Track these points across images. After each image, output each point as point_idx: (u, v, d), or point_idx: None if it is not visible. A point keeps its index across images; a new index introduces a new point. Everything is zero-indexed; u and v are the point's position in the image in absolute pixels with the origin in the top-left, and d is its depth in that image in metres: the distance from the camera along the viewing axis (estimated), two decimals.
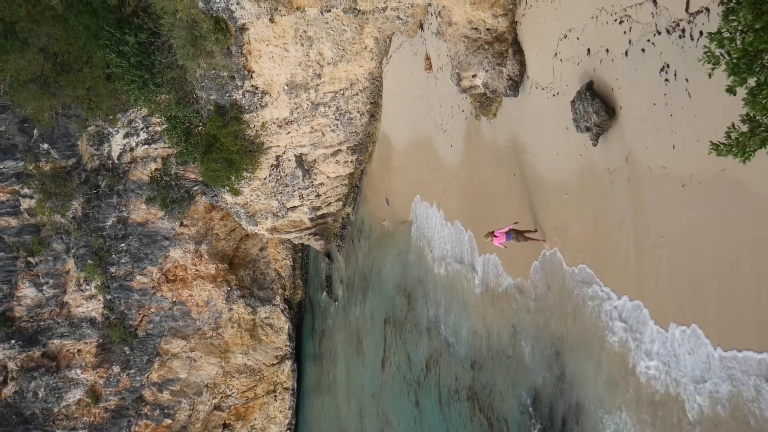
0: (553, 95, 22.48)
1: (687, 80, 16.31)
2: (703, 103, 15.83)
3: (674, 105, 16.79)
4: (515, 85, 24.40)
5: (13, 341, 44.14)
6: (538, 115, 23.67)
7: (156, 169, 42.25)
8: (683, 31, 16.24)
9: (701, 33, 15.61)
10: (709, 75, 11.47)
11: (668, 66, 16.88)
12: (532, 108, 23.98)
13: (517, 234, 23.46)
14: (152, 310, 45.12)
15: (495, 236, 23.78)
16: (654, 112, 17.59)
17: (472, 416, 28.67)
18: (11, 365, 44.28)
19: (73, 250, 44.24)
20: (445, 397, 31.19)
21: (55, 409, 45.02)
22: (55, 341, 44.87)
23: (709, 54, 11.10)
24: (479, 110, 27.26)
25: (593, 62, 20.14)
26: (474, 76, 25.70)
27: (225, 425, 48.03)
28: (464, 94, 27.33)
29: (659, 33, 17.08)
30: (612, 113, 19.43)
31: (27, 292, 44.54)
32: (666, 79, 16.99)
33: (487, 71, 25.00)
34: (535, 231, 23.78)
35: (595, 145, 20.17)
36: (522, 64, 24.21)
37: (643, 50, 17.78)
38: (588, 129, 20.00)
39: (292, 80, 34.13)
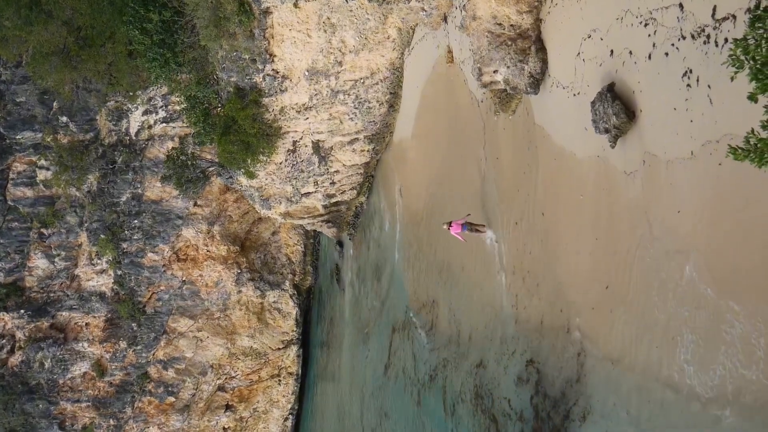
0: (574, 95, 22.42)
1: (709, 86, 16.23)
2: (724, 111, 15.75)
3: (695, 111, 16.71)
4: (536, 82, 24.34)
5: (22, 311, 44.43)
6: (558, 114, 23.61)
7: (173, 148, 42.34)
8: (708, 37, 16.15)
9: (726, 40, 15.53)
10: (732, 78, 11.42)
11: (691, 71, 16.79)
12: (552, 106, 23.92)
13: (471, 226, 27.73)
14: (162, 287, 45.30)
15: (452, 226, 27.88)
16: (674, 117, 17.51)
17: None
18: (19, 335, 44.57)
19: (86, 224, 44.44)
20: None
21: (61, 381, 45.31)
22: (63, 313, 45.13)
23: (734, 56, 11.06)
24: (498, 106, 27.22)
25: (616, 64, 20.07)
26: (495, 71, 25.66)
27: (228, 406, 48.21)
28: (484, 89, 27.28)
29: (684, 38, 17.00)
30: (632, 116, 19.36)
31: (38, 263, 44.79)
32: (688, 85, 16.91)
33: (508, 67, 24.95)
34: (483, 225, 27.93)
35: (613, 147, 20.11)
36: (544, 62, 24.14)
37: (666, 54, 17.70)
38: (607, 131, 19.94)
39: (313, 66, 34.15)
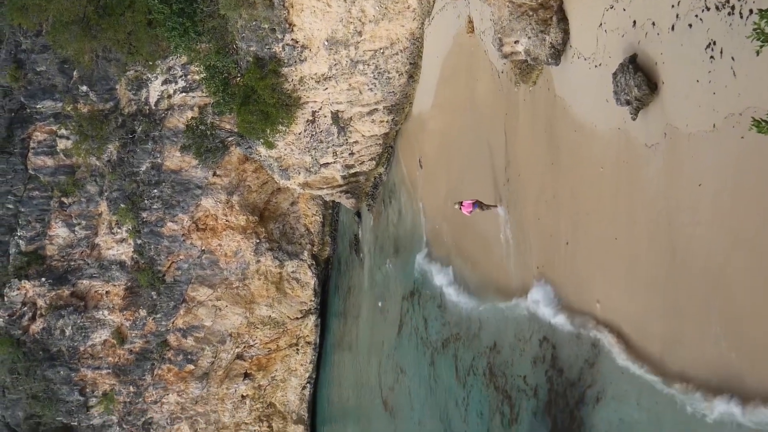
0: (595, 66, 22.22)
1: (733, 59, 16.04)
2: (748, 83, 15.58)
3: (718, 83, 16.54)
4: (557, 53, 24.12)
5: (43, 279, 44.84)
6: (579, 86, 23.43)
7: (192, 118, 42.40)
8: (732, 8, 15.94)
9: (751, 11, 15.31)
10: (757, 52, 11.29)
11: (714, 43, 16.59)
12: (573, 78, 23.73)
13: (481, 204, 28.42)
14: (181, 257, 45.56)
15: (463, 205, 28.66)
16: (697, 89, 17.33)
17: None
18: (40, 302, 45.01)
19: (106, 193, 44.68)
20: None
21: (81, 348, 45.77)
22: (84, 281, 45.51)
23: (758, 30, 10.92)
24: (519, 77, 27.03)
25: (638, 35, 19.85)
26: (516, 42, 25.43)
27: (246, 374, 48.60)
28: (505, 60, 27.09)
29: (708, 9, 16.77)
30: (654, 88, 19.17)
31: (59, 231, 45.13)
32: (711, 57, 16.72)
33: (529, 38, 24.73)
34: (494, 205, 28.56)
35: (634, 119, 19.94)
36: (565, 33, 23.89)
37: (690, 26, 17.48)
38: (628, 102, 19.76)
39: (332, 36, 34.00)
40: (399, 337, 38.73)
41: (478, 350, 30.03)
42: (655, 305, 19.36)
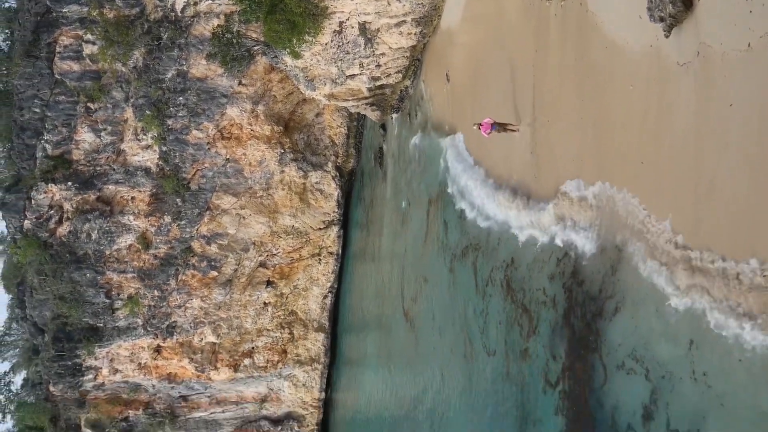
0: None
1: None
2: None
3: (755, 1, 16.32)
4: None
5: (69, 183, 45.38)
6: (612, 1, 23.12)
7: (218, 25, 42.19)
8: None
9: None
10: None
11: None
12: None
13: (499, 125, 28.24)
14: (206, 165, 45.89)
15: (482, 125, 28.39)
16: (733, 7, 17.10)
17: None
18: (67, 206, 45.64)
19: (132, 100, 44.82)
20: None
21: (107, 252, 46.58)
22: (110, 187, 46.03)
23: None
24: None
25: None
26: None
27: (269, 282, 49.38)
28: None
29: None
30: (689, 5, 18.89)
31: (85, 136, 45.46)
32: None
33: None
34: (513, 124, 28.34)
35: (667, 37, 19.73)
36: None
37: None
38: (662, 19, 19.51)
39: None
40: (424, 245, 39.02)
41: (496, 265, 30.31)
42: (679, 228, 19.45)
